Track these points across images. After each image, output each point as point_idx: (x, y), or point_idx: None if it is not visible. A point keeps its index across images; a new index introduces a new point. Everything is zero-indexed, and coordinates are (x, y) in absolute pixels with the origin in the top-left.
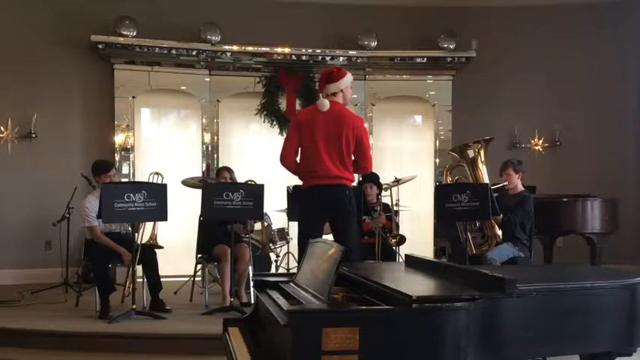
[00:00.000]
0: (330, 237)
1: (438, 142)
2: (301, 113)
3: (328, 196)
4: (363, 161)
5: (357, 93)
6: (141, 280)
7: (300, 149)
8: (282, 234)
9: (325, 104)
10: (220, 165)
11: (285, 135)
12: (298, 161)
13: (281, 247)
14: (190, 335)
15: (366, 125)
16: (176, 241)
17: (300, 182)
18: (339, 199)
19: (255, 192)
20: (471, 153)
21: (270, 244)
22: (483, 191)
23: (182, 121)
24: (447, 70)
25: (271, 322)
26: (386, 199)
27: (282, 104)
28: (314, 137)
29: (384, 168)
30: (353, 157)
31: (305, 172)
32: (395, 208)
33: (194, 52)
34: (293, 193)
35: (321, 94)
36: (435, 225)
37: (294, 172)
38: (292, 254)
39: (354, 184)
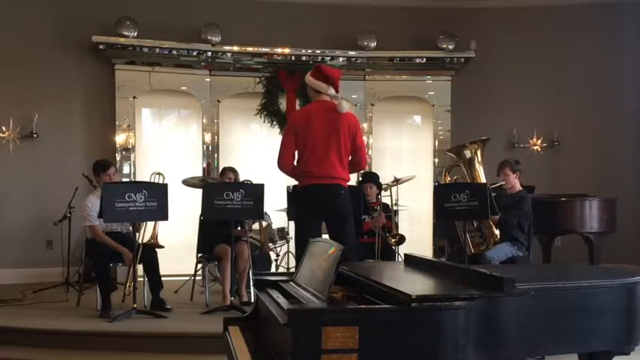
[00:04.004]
0: (326, 237)
1: (437, 142)
2: (296, 115)
3: (323, 195)
4: (357, 158)
5: (356, 93)
6: (142, 279)
7: (296, 151)
8: (282, 233)
9: (345, 107)
10: (221, 165)
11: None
12: (295, 164)
13: (281, 246)
14: (191, 334)
15: (364, 125)
16: (177, 240)
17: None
18: (333, 198)
19: (255, 192)
20: (467, 153)
21: (270, 244)
22: (482, 191)
23: (183, 121)
24: (446, 70)
25: (271, 321)
26: (385, 199)
27: (282, 104)
28: (311, 138)
29: (384, 168)
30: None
31: (301, 172)
32: (394, 208)
33: (194, 53)
34: (293, 193)
35: (331, 92)
36: (434, 224)
37: (291, 175)
38: (292, 253)
39: (353, 183)
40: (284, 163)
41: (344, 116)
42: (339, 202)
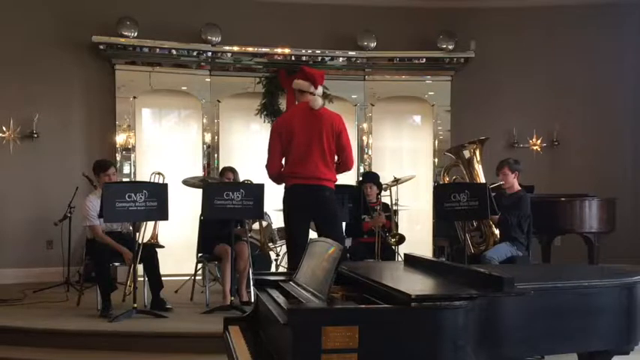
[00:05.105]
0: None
1: (436, 142)
2: (279, 119)
3: (307, 195)
4: (343, 158)
5: (356, 93)
6: (142, 279)
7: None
8: (282, 233)
9: (319, 102)
10: (222, 165)
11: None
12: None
13: (281, 246)
14: (191, 334)
15: (364, 125)
16: (177, 240)
17: None
18: (318, 199)
19: (255, 191)
20: (466, 153)
21: (270, 243)
22: (482, 191)
23: (183, 121)
24: (446, 70)
25: (271, 321)
26: (385, 199)
27: (282, 104)
28: (294, 140)
29: (384, 168)
30: (337, 157)
31: (287, 174)
32: (394, 208)
33: (195, 53)
34: None
35: (314, 90)
36: (434, 224)
37: (278, 181)
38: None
39: (353, 183)
40: (272, 169)
41: (326, 116)
42: (324, 202)
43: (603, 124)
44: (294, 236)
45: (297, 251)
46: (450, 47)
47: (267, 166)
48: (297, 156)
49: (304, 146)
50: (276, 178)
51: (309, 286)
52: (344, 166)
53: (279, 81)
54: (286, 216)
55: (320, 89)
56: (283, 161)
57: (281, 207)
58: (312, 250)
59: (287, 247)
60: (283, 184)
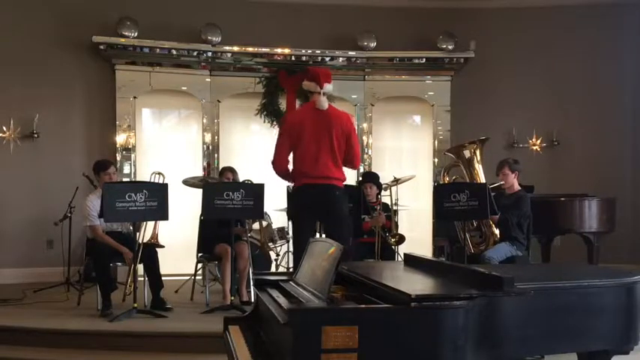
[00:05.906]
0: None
1: (436, 142)
2: (290, 116)
3: (317, 195)
4: (350, 156)
5: (356, 93)
6: (142, 278)
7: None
8: (282, 233)
9: (325, 103)
10: (222, 165)
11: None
12: (290, 166)
13: (281, 246)
14: (191, 334)
15: (364, 125)
16: (177, 240)
17: None
18: (328, 198)
19: (255, 191)
20: (467, 153)
21: (270, 243)
22: (482, 191)
23: (183, 121)
24: (446, 70)
25: (271, 321)
26: (385, 199)
27: (282, 104)
28: (304, 138)
29: (384, 168)
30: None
31: (296, 173)
32: (394, 208)
33: (195, 53)
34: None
35: (319, 90)
36: (434, 224)
37: (285, 176)
38: (292, 253)
39: (353, 183)
40: (279, 165)
41: (336, 116)
42: (333, 202)
43: (603, 124)
44: (300, 235)
45: (302, 250)
46: (450, 47)
47: (273, 162)
48: (307, 155)
49: (314, 146)
50: (283, 174)
51: (309, 286)
52: (350, 163)
53: (279, 81)
54: (294, 215)
55: (328, 87)
56: (292, 159)
57: (281, 207)
58: (312, 250)
59: (293, 246)
60: (288, 184)
